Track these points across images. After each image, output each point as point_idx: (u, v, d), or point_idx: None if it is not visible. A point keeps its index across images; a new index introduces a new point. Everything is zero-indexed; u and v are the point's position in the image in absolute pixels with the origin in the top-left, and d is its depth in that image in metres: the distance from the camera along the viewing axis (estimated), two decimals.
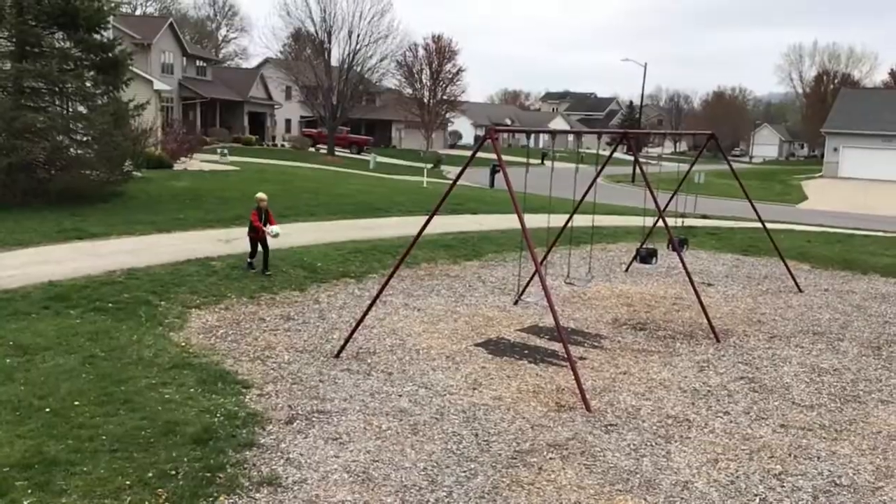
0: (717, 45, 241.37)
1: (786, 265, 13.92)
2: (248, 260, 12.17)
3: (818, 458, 6.35)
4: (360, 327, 9.03)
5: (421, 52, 65.38)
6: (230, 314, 9.91)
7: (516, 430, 6.65)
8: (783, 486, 5.79)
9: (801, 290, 13.27)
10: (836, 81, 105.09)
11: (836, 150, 63.31)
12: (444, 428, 6.64)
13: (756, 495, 5.64)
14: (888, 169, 59.03)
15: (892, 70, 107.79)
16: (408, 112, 65.75)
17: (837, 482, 5.92)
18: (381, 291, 9.34)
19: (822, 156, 68.26)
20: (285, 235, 12.22)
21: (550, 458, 6.11)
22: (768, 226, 15.21)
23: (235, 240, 13.98)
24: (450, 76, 66.73)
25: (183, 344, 8.52)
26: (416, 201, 23.33)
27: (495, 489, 5.56)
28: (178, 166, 27.92)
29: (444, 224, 17.46)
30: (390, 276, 9.25)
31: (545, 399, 7.47)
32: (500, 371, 8.27)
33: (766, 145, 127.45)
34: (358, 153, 59.94)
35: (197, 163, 30.57)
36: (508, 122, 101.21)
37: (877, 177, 58.42)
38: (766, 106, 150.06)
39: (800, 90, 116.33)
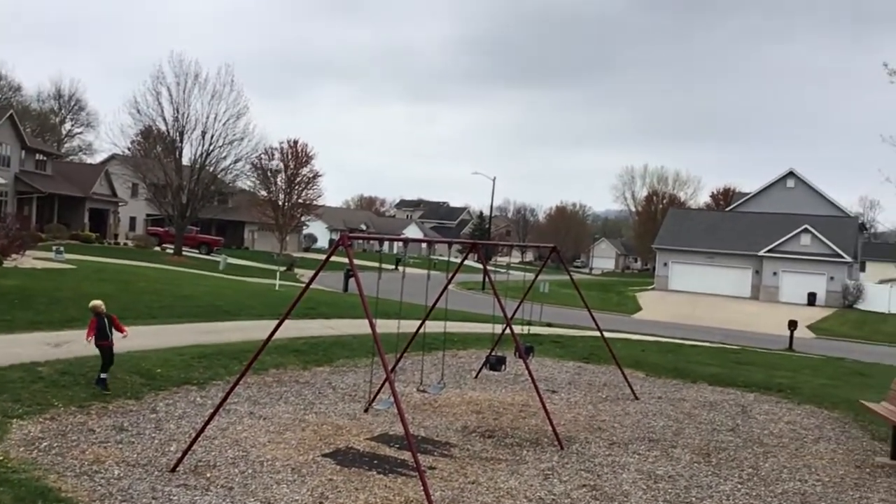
0: (561, 163, 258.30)
1: (623, 373, 14.61)
2: (102, 375, 10.78)
3: None
4: (200, 438, 8.57)
5: (277, 155, 65.51)
6: (56, 424, 9.14)
7: None
8: None
9: (637, 398, 13.92)
10: (664, 201, 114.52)
11: (665, 264, 68.31)
12: None
13: None
14: (712, 283, 64.34)
15: (713, 193, 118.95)
16: (262, 214, 65.11)
17: None
18: (224, 399, 8.96)
19: (654, 269, 73.27)
20: (119, 340, 11.46)
21: None
22: (607, 335, 16.02)
23: (66, 343, 13.06)
24: (306, 180, 67.07)
25: (0, 458, 7.74)
26: (268, 304, 22.83)
27: None
28: (8, 263, 26.00)
29: (295, 328, 17.13)
30: (236, 383, 8.91)
31: None
32: (347, 483, 8.05)
33: (604, 258, 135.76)
34: (208, 254, 58.33)
35: (30, 260, 28.62)
36: (364, 227, 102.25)
37: (703, 290, 63.38)
38: (603, 221, 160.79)
39: (633, 208, 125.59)
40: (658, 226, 79.17)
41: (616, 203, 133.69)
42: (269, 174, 64.94)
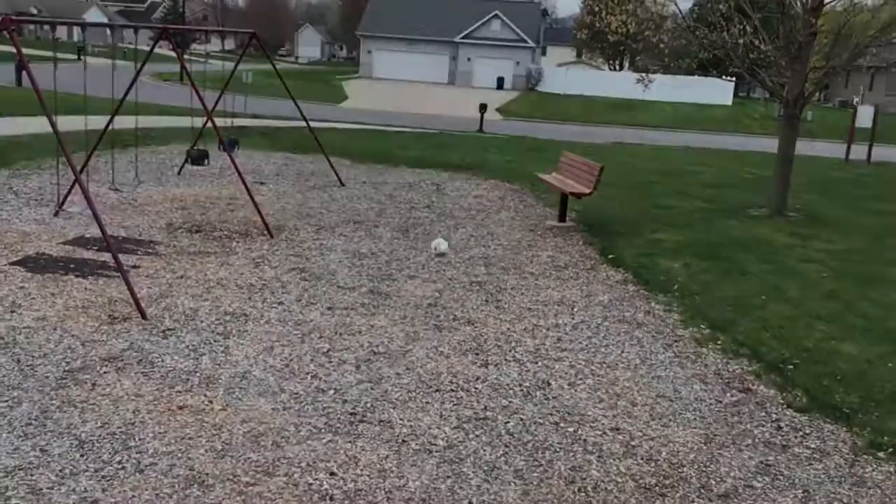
0: None
1: (329, 161, 14.95)
2: None
3: (360, 332, 7.19)
4: None
5: None
6: None
7: (65, 350, 6.28)
8: (331, 362, 6.48)
9: (343, 184, 14.44)
10: None
11: (370, 52, 68.51)
12: None
13: (308, 373, 6.22)
14: (414, 71, 66.03)
15: None
16: None
17: (376, 351, 6.80)
18: None
19: (359, 57, 73.24)
20: None
21: (105, 373, 5.93)
22: (314, 124, 16.09)
23: None
24: None
25: None
26: None
27: (44, 413, 5.25)
28: None
29: None
30: None
31: (96, 313, 7.13)
32: (42, 290, 7.62)
33: (310, 46, 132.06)
34: None
35: None
36: (34, 10, 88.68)
37: (405, 78, 64.91)
38: (308, 7, 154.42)
39: None
40: (363, 12, 78.10)
41: None
42: None
